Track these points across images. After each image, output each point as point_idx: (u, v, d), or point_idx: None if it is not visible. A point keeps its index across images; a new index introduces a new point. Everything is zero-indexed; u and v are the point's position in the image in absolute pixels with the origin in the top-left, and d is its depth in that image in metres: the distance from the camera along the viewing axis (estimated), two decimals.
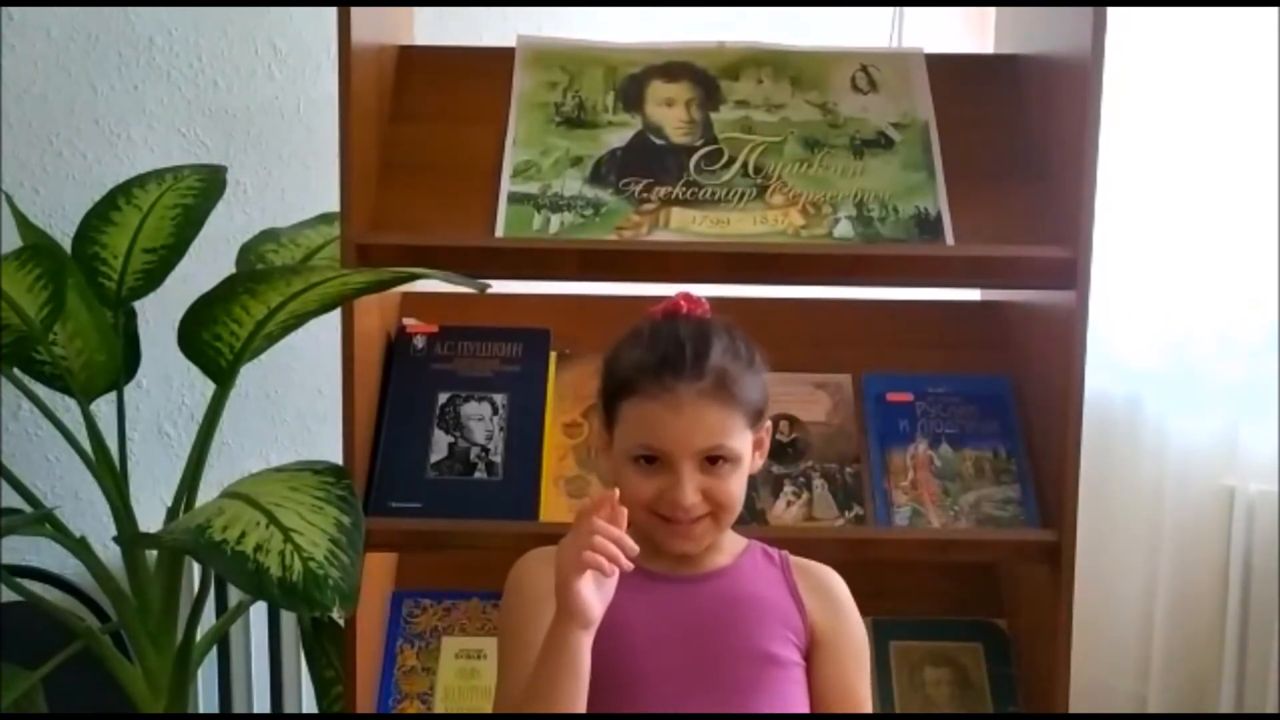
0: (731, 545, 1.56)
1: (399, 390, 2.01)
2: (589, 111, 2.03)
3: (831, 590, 1.55)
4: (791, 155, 1.99)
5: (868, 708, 1.54)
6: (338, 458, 1.85)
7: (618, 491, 1.40)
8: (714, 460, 1.46)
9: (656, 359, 1.46)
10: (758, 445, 1.52)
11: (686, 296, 1.54)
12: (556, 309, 2.12)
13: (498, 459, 1.95)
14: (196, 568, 2.25)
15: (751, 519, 1.86)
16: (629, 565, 1.36)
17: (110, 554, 2.20)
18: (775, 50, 2.10)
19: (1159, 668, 2.19)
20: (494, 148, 1.99)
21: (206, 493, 1.94)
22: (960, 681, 2.04)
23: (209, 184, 2.18)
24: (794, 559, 1.57)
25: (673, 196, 1.95)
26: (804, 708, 1.50)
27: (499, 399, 2.00)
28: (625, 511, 1.38)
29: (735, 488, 1.48)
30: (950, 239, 1.92)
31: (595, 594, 1.35)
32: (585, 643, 1.37)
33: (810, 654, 1.52)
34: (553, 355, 2.04)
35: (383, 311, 2.01)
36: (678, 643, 1.47)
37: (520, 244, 1.90)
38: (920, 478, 1.96)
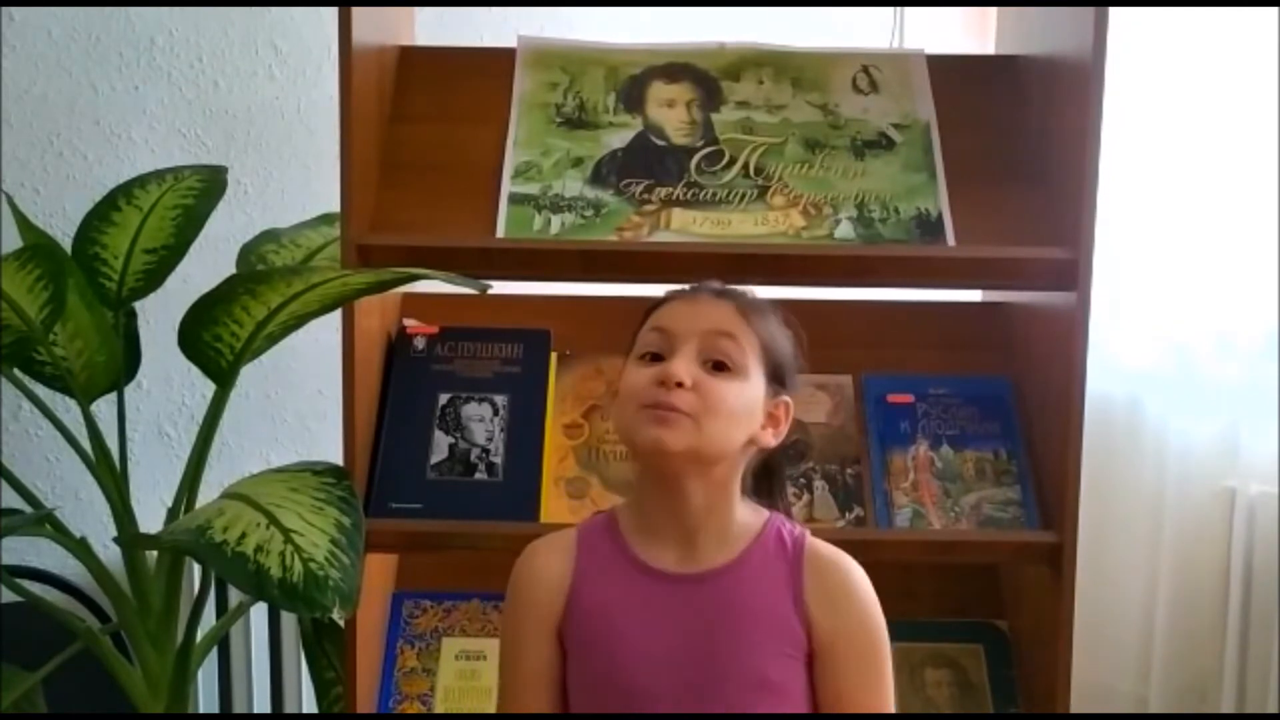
0: (738, 534, 1.46)
1: (399, 391, 2.00)
2: (590, 112, 2.03)
3: (841, 591, 1.45)
4: (792, 156, 1.99)
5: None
6: (338, 458, 1.85)
7: None
8: (718, 366, 1.43)
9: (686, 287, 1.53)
10: (772, 421, 1.47)
11: None
12: (557, 310, 2.12)
13: (498, 460, 1.95)
14: (197, 568, 2.25)
15: None
16: None
17: (110, 554, 2.20)
18: (776, 51, 2.09)
19: (1160, 669, 2.19)
20: (495, 148, 1.99)
21: (207, 493, 1.94)
22: (961, 683, 2.04)
23: (209, 184, 2.18)
24: (809, 547, 1.47)
25: (673, 197, 1.95)
26: None
27: (499, 400, 2.00)
28: None
29: (729, 395, 1.42)
30: (951, 240, 1.92)
31: None
32: None
33: (812, 660, 1.44)
34: (553, 356, 2.04)
35: (383, 312, 2.01)
36: (673, 661, 1.42)
37: (521, 245, 1.90)
38: (921, 479, 1.96)
